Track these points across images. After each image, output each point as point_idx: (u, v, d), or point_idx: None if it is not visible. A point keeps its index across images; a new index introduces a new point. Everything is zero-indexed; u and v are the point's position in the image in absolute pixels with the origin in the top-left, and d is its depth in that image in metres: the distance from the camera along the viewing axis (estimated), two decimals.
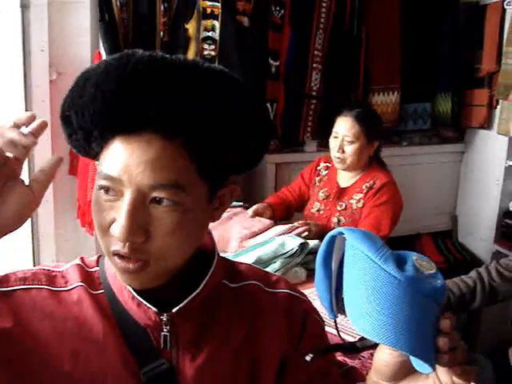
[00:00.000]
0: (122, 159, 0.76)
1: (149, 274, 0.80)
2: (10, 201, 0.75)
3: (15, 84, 2.66)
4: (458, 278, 1.94)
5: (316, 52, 3.30)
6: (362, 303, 0.70)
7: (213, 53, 2.89)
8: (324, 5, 3.24)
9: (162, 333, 0.86)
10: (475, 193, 3.97)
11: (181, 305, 0.85)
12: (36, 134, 0.76)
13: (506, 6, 3.47)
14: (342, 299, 0.77)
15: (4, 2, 2.59)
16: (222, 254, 0.97)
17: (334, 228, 0.94)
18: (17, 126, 0.75)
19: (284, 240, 2.14)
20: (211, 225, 0.90)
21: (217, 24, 2.91)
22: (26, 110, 2.66)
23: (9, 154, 0.75)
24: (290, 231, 2.37)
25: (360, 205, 2.58)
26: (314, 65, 3.31)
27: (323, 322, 1.03)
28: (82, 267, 0.92)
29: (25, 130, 0.76)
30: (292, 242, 2.12)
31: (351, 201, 2.61)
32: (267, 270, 1.19)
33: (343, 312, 0.77)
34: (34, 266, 0.94)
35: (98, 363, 0.84)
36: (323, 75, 3.35)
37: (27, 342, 0.82)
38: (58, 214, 2.80)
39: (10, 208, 0.76)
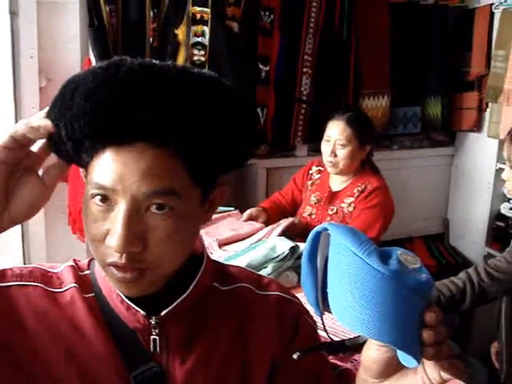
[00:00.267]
0: (116, 169, 0.75)
1: (145, 281, 0.79)
2: (24, 192, 0.80)
3: (5, 91, 2.65)
4: (448, 280, 1.95)
5: (306, 57, 3.31)
6: (346, 297, 0.70)
7: (203, 58, 2.90)
8: (313, 9, 3.26)
9: (152, 336, 0.86)
10: (466, 196, 3.98)
11: (169, 308, 0.85)
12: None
13: (494, 10, 3.49)
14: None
15: None
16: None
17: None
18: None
19: (274, 244, 2.14)
20: None
21: (206, 29, 2.92)
22: (16, 117, 2.66)
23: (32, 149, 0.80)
24: (276, 226, 2.40)
25: (351, 208, 2.58)
26: (304, 69, 3.32)
27: (316, 324, 1.02)
28: (75, 269, 0.92)
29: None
30: (282, 246, 2.11)
31: (342, 204, 2.61)
32: None
33: (329, 310, 0.77)
34: None
35: (89, 365, 0.83)
36: (313, 80, 3.35)
37: (21, 338, 0.82)
38: (48, 220, 2.79)
39: (24, 199, 0.80)
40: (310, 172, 2.83)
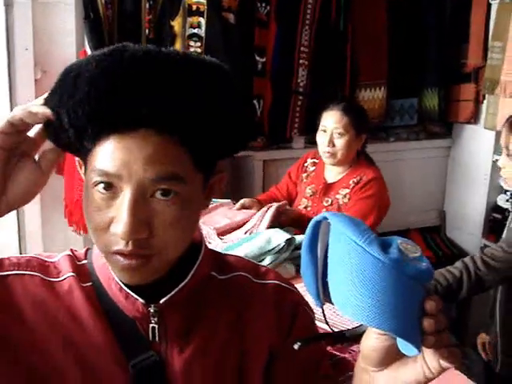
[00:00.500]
0: (120, 155, 0.74)
1: (150, 268, 0.79)
2: (21, 177, 0.80)
3: (0, 83, 2.64)
4: (444, 269, 1.95)
5: (302, 48, 3.30)
6: (347, 286, 0.70)
7: (199, 50, 2.89)
8: (310, 1, 3.25)
9: (151, 324, 0.86)
10: (463, 188, 3.99)
11: (168, 295, 0.85)
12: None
13: (491, 1, 3.49)
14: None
15: None
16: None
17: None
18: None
19: (270, 236, 2.13)
20: None
21: (202, 21, 2.91)
22: (11, 109, 2.64)
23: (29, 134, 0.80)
24: (267, 209, 2.43)
25: (346, 200, 2.57)
26: (301, 61, 3.32)
27: (313, 314, 1.02)
28: (73, 258, 0.92)
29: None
30: (278, 238, 2.11)
31: (338, 196, 2.60)
32: None
33: (330, 300, 0.77)
34: None
35: (87, 354, 0.83)
36: (310, 71, 3.35)
37: (19, 328, 0.82)
38: (44, 213, 2.79)
39: (20, 185, 0.80)
40: (305, 165, 2.82)
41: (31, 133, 0.81)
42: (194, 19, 2.90)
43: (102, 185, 0.76)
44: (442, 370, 0.72)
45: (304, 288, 0.83)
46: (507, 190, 3.61)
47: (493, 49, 3.46)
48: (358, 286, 0.69)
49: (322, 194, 2.66)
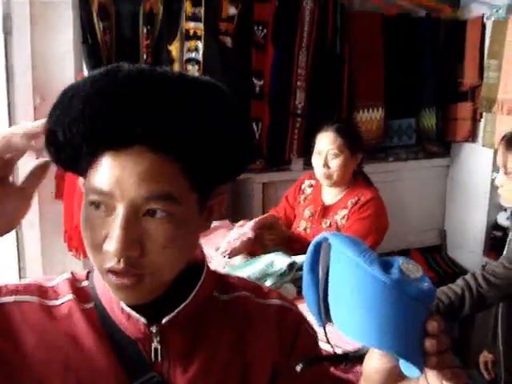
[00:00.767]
0: (114, 173, 0.74)
1: (144, 288, 0.79)
2: (4, 206, 0.78)
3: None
4: (446, 287, 1.94)
5: (300, 70, 3.32)
6: (347, 306, 0.70)
7: (197, 73, 2.90)
8: (306, 23, 3.27)
9: (153, 345, 0.85)
10: (463, 206, 3.99)
11: (170, 315, 0.84)
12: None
13: (485, 20, 3.52)
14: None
15: None
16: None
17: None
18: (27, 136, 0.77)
19: (272, 259, 2.13)
20: None
21: (200, 45, 2.94)
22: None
23: None
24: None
25: (344, 221, 2.54)
26: (298, 83, 3.33)
27: (316, 333, 1.02)
28: (73, 281, 0.91)
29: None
30: (280, 262, 2.10)
31: (336, 217, 2.58)
32: None
33: (332, 320, 0.77)
34: None
35: (89, 378, 0.83)
36: (308, 93, 3.37)
37: (16, 355, 0.81)
38: (44, 238, 2.79)
39: (4, 213, 0.79)
40: (302, 187, 2.80)
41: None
42: (192, 43, 2.92)
43: (96, 202, 0.76)
44: None
45: (307, 309, 0.82)
46: (507, 208, 3.61)
47: (489, 67, 3.49)
48: (359, 306, 0.68)
49: (320, 215, 2.64)
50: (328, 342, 0.86)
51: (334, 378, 1.05)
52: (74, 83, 0.79)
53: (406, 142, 3.87)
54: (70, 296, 0.88)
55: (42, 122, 0.78)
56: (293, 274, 2.07)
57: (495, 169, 3.59)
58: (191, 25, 2.91)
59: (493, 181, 3.51)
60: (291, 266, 2.08)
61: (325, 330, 0.83)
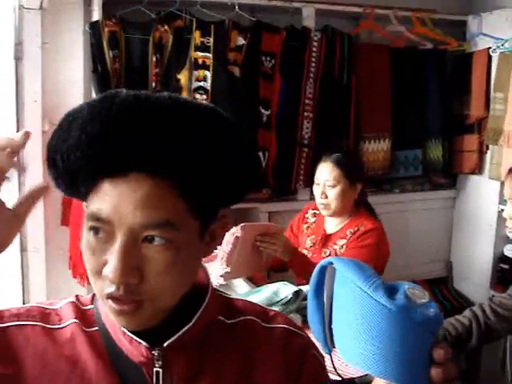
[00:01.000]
0: (111, 200, 0.74)
1: (144, 314, 0.78)
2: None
3: (8, 134, 2.66)
4: (453, 318, 1.92)
5: (307, 101, 3.34)
6: (351, 333, 0.69)
7: (204, 102, 2.92)
8: (314, 54, 3.31)
9: (155, 368, 0.84)
10: (469, 238, 3.96)
11: (172, 338, 0.83)
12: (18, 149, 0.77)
13: (491, 53, 3.54)
14: None
15: None
16: None
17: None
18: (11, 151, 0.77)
19: (278, 288, 2.12)
20: None
21: (208, 74, 2.96)
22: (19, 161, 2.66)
23: None
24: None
25: (343, 250, 2.54)
26: (306, 113, 3.35)
27: (324, 359, 1.00)
28: (77, 305, 0.91)
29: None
30: (286, 290, 2.10)
31: (335, 246, 2.57)
32: None
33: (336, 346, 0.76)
34: None
35: None
36: (314, 123, 3.38)
37: (18, 379, 0.81)
38: (49, 264, 2.78)
39: None
40: (306, 216, 2.80)
41: None
42: (200, 72, 2.95)
43: (95, 229, 0.76)
44: None
45: (311, 338, 0.82)
46: None
47: (495, 100, 3.50)
48: (363, 333, 0.68)
49: (321, 245, 2.64)
50: (334, 369, 0.85)
51: None
52: (75, 108, 0.79)
53: (412, 173, 3.85)
54: (73, 319, 0.88)
55: (22, 133, 0.78)
56: (298, 302, 2.06)
57: (502, 201, 3.58)
58: (200, 54, 2.95)
59: (499, 213, 3.52)
60: (297, 293, 2.07)
61: (331, 356, 0.82)
